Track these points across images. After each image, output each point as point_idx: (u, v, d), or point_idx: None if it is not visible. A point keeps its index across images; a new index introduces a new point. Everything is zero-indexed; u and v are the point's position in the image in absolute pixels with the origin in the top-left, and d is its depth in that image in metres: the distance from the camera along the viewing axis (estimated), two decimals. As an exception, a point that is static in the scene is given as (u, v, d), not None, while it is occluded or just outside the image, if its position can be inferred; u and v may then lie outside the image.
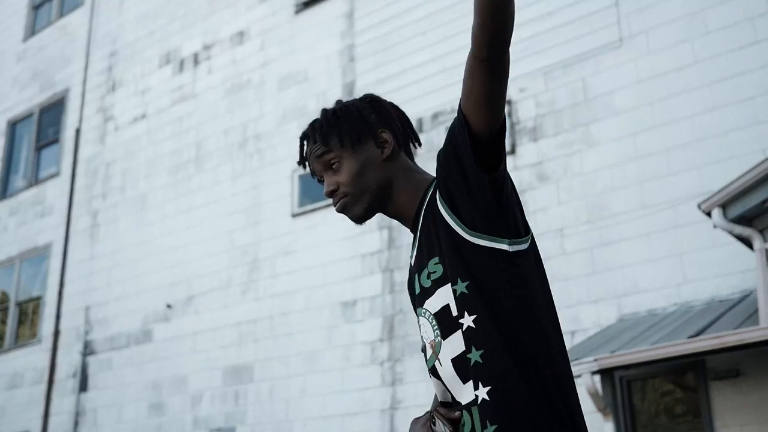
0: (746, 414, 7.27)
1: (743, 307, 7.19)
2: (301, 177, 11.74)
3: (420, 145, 1.90)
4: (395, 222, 10.53)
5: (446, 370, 1.63)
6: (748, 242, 6.28)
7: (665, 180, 8.52)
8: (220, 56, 13.50)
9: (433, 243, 1.66)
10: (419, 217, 1.72)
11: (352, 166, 1.75)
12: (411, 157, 1.84)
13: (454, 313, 1.60)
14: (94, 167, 14.75)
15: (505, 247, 1.59)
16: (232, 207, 12.34)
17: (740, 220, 6.00)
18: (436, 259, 1.65)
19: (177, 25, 14.43)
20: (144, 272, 13.10)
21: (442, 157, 1.64)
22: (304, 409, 10.64)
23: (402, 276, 10.30)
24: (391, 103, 1.88)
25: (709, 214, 6.25)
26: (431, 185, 1.73)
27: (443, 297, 1.62)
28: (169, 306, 12.54)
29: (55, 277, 14.42)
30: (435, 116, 10.61)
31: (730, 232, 6.17)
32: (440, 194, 1.64)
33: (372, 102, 1.85)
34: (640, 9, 9.24)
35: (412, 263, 1.75)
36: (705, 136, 8.40)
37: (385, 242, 10.57)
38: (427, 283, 1.67)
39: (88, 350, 13.40)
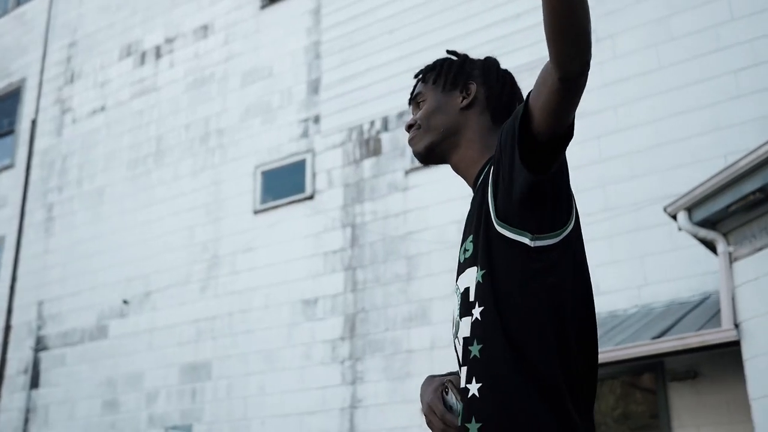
0: (703, 414, 7.38)
1: (703, 309, 7.29)
2: (264, 173, 11.64)
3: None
4: (358, 220, 10.53)
5: (460, 348, 1.60)
6: (711, 245, 6.36)
7: (628, 183, 8.62)
8: (182, 50, 13.33)
9: (472, 220, 1.63)
10: (478, 181, 1.71)
11: (431, 105, 1.82)
12: (499, 124, 1.78)
13: (471, 298, 1.57)
14: (50, 159, 14.46)
15: (526, 240, 1.51)
16: (193, 202, 12.18)
17: (705, 223, 6.07)
18: (471, 237, 1.62)
19: (139, 17, 14.21)
20: (100, 267, 12.87)
21: (503, 135, 1.53)
22: (262, 408, 10.54)
23: (364, 275, 10.26)
24: (508, 72, 1.88)
25: (674, 217, 6.32)
26: (489, 162, 1.70)
27: (469, 278, 1.60)
28: (125, 302, 12.33)
29: (7, 271, 14.09)
30: (400, 115, 10.60)
31: (695, 236, 6.24)
32: (492, 171, 1.58)
33: (487, 61, 1.88)
34: (607, 13, 9.33)
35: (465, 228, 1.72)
36: (668, 141, 8.51)
37: (348, 240, 10.52)
38: (462, 258, 1.65)
39: (40, 346, 13.12)
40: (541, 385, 1.44)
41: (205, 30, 13.15)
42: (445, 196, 9.76)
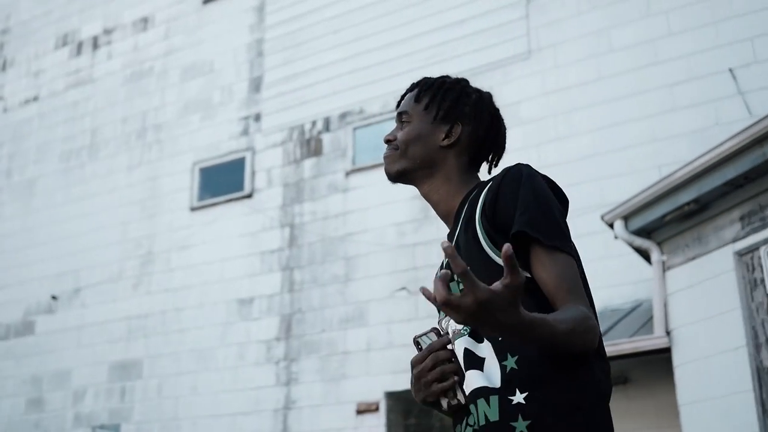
0: (632, 419, 7.53)
1: (635, 316, 7.46)
2: (202, 170, 11.49)
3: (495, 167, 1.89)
4: (297, 220, 10.47)
5: (458, 353, 1.64)
6: (645, 254, 6.51)
7: (565, 191, 8.73)
8: (121, 42, 13.07)
9: (463, 254, 1.66)
10: (458, 219, 1.74)
11: (414, 131, 1.83)
12: (475, 166, 1.85)
13: None
14: (-21, 149, 14.02)
15: (527, 274, 1.58)
16: (127, 198, 11.95)
17: (640, 232, 6.22)
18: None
19: (76, 6, 13.88)
20: (28, 261, 12.52)
21: (498, 203, 1.62)
22: (194, 408, 10.39)
23: (302, 275, 10.20)
24: (497, 116, 1.88)
25: (611, 225, 6.44)
26: (475, 190, 1.75)
27: None
28: (54, 297, 12.02)
29: (-70, 263, 13.59)
30: (343, 116, 10.58)
31: (630, 244, 6.38)
32: (482, 215, 1.64)
33: (480, 100, 1.86)
34: (549, 23, 9.49)
35: (445, 261, 1.76)
36: (605, 150, 8.68)
37: (287, 240, 10.45)
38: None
39: (-38, 341, 12.69)
40: (583, 383, 1.53)
41: (145, 22, 12.92)
42: (386, 199, 9.78)
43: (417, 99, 1.86)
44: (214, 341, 10.51)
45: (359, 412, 9.30)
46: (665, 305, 6.16)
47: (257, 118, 11.27)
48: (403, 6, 10.56)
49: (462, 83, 1.88)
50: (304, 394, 9.71)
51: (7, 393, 11.99)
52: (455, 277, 1.56)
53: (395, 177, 1.85)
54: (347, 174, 10.33)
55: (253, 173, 11.03)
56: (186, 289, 10.94)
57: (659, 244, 6.23)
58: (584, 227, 8.33)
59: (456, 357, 1.61)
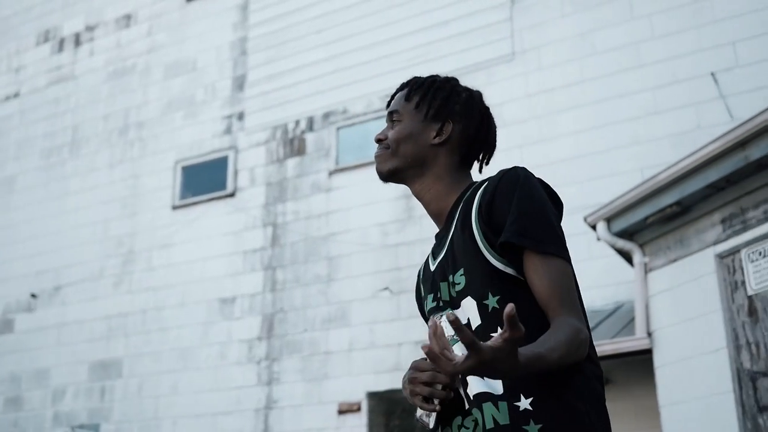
0: (613, 420, 7.49)
1: (616, 318, 7.49)
2: (184, 168, 11.43)
3: (486, 165, 1.90)
4: (280, 220, 10.44)
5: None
6: (627, 256, 6.54)
7: (548, 192, 8.78)
8: (103, 38, 12.98)
9: (455, 255, 1.68)
10: (452, 219, 1.74)
11: (405, 130, 1.83)
12: (467, 165, 1.85)
13: (485, 324, 1.61)
14: (-42, 145, 13.88)
15: (510, 270, 1.61)
16: (108, 195, 11.87)
17: (623, 234, 6.24)
18: (461, 271, 1.66)
19: (58, 2, 13.78)
20: (8, 258, 12.41)
21: (495, 205, 1.64)
22: (174, 407, 10.33)
23: (284, 275, 10.17)
24: (488, 114, 1.88)
25: (594, 227, 6.47)
26: (469, 190, 1.75)
27: (468, 307, 1.64)
28: (33, 295, 11.92)
29: None
30: (326, 116, 10.56)
31: (613, 246, 6.40)
32: (478, 216, 1.65)
33: (470, 99, 1.86)
34: (533, 26, 9.52)
35: (435, 262, 1.76)
36: (588, 152, 8.72)
37: (269, 240, 10.42)
38: (453, 292, 1.68)
39: (-60, 339, 12.55)
40: (579, 387, 1.56)
41: (128, 19, 12.84)
42: (369, 199, 9.77)
43: (407, 98, 1.86)
44: (195, 340, 10.46)
45: (341, 412, 9.28)
46: (647, 307, 6.19)
47: (240, 116, 11.23)
48: (387, 6, 10.56)
49: (452, 82, 1.89)
50: (286, 394, 9.68)
51: (-15, 392, 11.88)
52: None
53: (387, 176, 1.85)
54: (330, 174, 10.31)
55: (235, 172, 10.99)
56: (167, 288, 10.88)
57: (641, 246, 6.26)
58: (567, 229, 8.28)
59: (452, 386, 1.60)
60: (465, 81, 1.97)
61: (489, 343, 1.29)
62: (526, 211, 1.60)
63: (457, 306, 1.66)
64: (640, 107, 8.60)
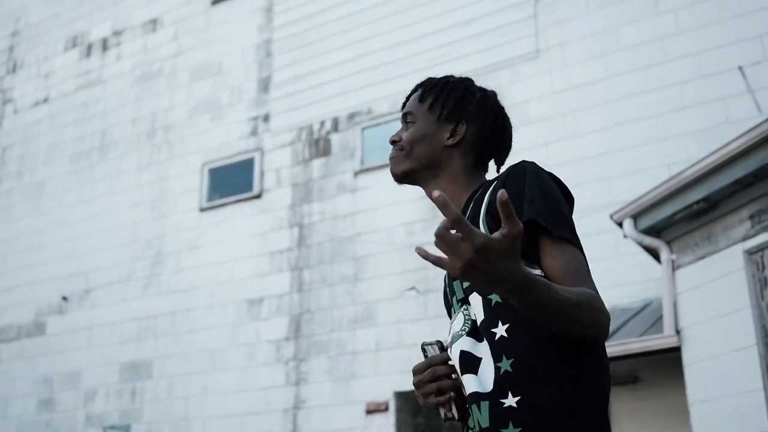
0: (642, 419, 7.52)
1: (645, 315, 7.44)
2: (211, 171, 11.51)
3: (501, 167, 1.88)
4: (306, 220, 10.49)
5: (454, 356, 1.64)
6: (655, 253, 6.49)
7: (574, 190, 8.56)
8: (130, 43, 13.11)
9: None
10: (464, 215, 1.73)
11: (419, 131, 1.82)
12: (481, 166, 1.84)
13: (489, 318, 1.59)
14: (-11, 151, 14.09)
15: (537, 271, 1.56)
16: (137, 198, 11.99)
17: (650, 231, 6.20)
18: None
19: (86, 8, 13.94)
20: (39, 262, 12.58)
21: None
22: (204, 408, 10.41)
23: (311, 275, 10.22)
24: (503, 114, 1.86)
25: (620, 224, 6.43)
26: (480, 189, 1.74)
27: (474, 305, 1.63)
28: (64, 298, 12.07)
29: (-59, 264, 13.67)
30: (351, 116, 10.59)
31: (640, 243, 6.36)
32: (487, 213, 1.63)
33: (485, 99, 1.85)
34: (557, 23, 9.47)
35: None
36: (614, 149, 8.66)
37: (296, 240, 10.47)
38: (465, 290, 1.67)
39: (-26, 342, 12.76)
40: (581, 386, 1.52)
41: (154, 24, 12.96)
42: (394, 199, 9.78)
43: (421, 99, 1.85)
44: (223, 341, 10.54)
45: (368, 412, 9.30)
46: (675, 304, 6.14)
47: (266, 118, 11.30)
48: (410, 6, 10.57)
49: (466, 82, 1.87)
50: (314, 394, 9.72)
51: (19, 393, 12.05)
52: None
53: (401, 178, 1.85)
54: (356, 174, 10.34)
55: (262, 173, 11.05)
56: (195, 290, 10.97)
57: (668, 242, 6.21)
58: (593, 226, 8.32)
59: (456, 371, 1.60)
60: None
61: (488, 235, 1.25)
62: (539, 199, 1.57)
63: (469, 303, 1.65)
64: (666, 103, 8.52)
